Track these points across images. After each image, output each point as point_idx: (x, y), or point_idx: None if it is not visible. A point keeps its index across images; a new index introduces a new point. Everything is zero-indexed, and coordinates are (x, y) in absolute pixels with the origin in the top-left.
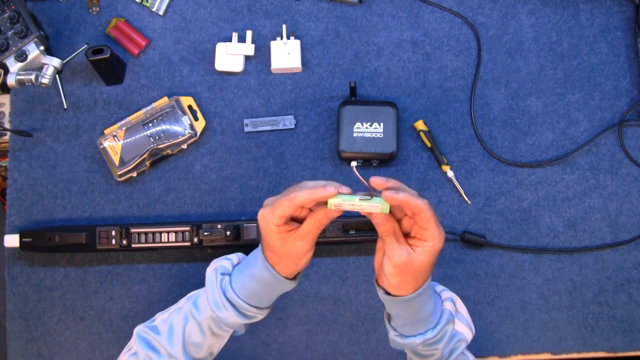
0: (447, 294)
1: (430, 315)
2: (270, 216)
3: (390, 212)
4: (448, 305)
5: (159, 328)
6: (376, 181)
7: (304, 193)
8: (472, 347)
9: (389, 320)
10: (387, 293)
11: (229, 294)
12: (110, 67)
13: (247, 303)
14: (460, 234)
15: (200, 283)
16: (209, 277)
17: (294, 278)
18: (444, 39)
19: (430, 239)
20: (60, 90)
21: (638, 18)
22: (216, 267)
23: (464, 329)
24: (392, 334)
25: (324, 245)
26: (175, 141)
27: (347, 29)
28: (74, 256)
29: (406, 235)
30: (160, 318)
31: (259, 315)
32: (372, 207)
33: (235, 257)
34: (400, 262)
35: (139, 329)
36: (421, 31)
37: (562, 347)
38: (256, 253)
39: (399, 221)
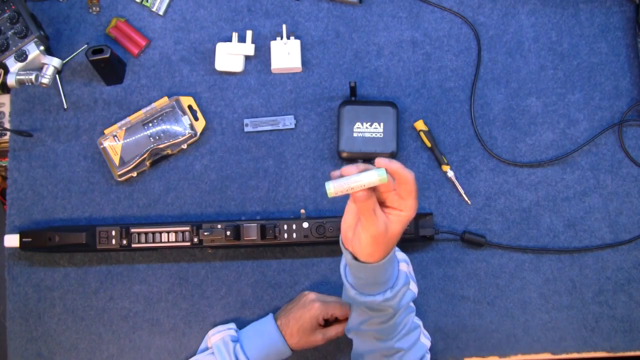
0: (400, 254)
1: (390, 276)
2: (325, 313)
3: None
4: (404, 267)
5: None
6: (381, 162)
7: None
8: (472, 346)
9: (347, 278)
10: (355, 258)
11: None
12: (110, 67)
13: None
14: (460, 234)
15: (199, 283)
16: (217, 346)
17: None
18: (444, 39)
19: (407, 210)
20: (60, 90)
21: (638, 18)
22: (223, 337)
23: (413, 286)
24: (352, 292)
25: (324, 245)
26: (175, 141)
27: (347, 29)
28: (74, 256)
29: (381, 204)
30: None
31: None
32: (370, 176)
33: (232, 325)
34: (377, 232)
35: None
36: (421, 31)
37: (562, 347)
38: (269, 324)
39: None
